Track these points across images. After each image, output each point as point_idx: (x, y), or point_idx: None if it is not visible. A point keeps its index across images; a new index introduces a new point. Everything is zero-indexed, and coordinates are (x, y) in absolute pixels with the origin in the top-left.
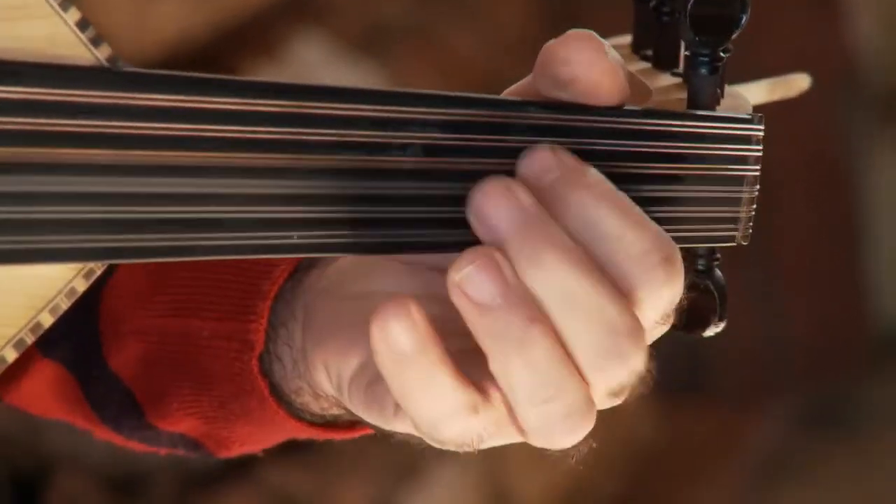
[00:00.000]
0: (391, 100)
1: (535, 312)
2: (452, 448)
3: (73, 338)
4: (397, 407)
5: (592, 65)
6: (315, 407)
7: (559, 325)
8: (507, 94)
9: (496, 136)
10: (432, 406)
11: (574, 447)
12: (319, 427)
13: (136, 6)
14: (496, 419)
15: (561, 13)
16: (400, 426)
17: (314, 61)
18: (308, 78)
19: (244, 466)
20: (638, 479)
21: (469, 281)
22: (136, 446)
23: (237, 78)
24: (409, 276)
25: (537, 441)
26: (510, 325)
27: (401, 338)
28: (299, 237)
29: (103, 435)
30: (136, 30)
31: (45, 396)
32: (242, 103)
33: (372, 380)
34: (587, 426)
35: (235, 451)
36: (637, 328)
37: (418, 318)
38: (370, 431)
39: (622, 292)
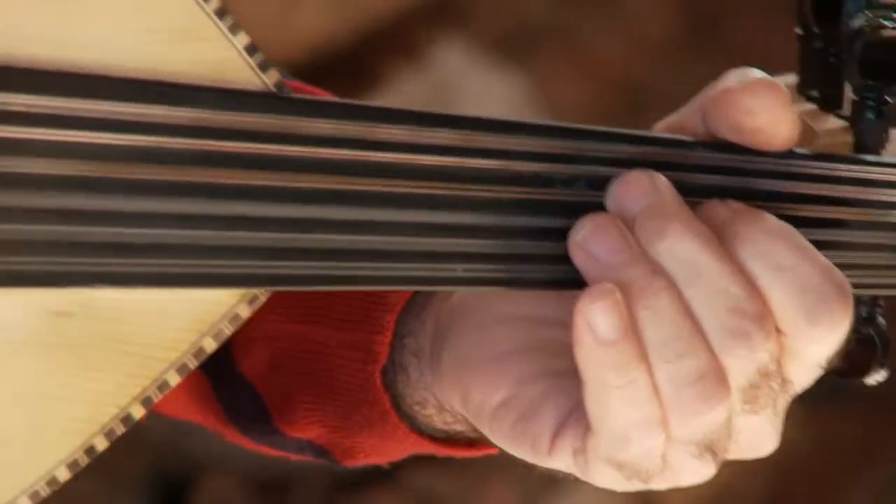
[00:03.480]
0: (559, 134)
1: (658, 268)
2: (623, 478)
3: None
4: (553, 443)
5: (778, 118)
6: (438, 421)
7: (684, 293)
8: (660, 128)
9: (663, 173)
10: (626, 412)
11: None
12: (441, 443)
13: (280, 11)
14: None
15: (703, 17)
16: (554, 462)
17: (455, 64)
18: (474, 108)
19: (390, 469)
20: (783, 484)
21: (589, 240)
22: (265, 450)
23: (403, 108)
24: (555, 299)
25: (677, 419)
26: (633, 278)
27: (605, 323)
28: (464, 270)
29: (233, 438)
30: (280, 34)
31: (180, 397)
32: (409, 132)
33: (522, 415)
34: (721, 396)
35: (360, 461)
36: (766, 316)
37: (622, 304)
38: (494, 451)
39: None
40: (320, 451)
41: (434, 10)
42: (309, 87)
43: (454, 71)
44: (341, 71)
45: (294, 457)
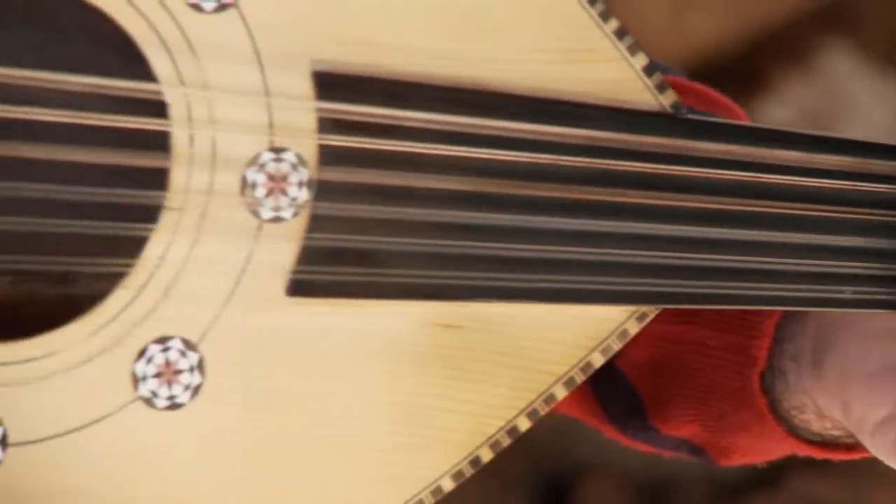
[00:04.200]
0: None
1: None
2: None
3: None
4: None
5: None
6: (816, 426)
7: None
8: None
9: None
10: None
11: None
12: (817, 446)
13: (673, 14)
14: None
15: None
16: None
17: (843, 71)
18: (861, 117)
19: (773, 475)
20: None
21: None
22: (639, 446)
23: (797, 131)
24: None
25: None
26: None
27: None
28: (853, 292)
29: (609, 434)
30: (671, 38)
31: None
32: (803, 156)
33: None
34: None
35: (736, 461)
36: None
37: None
38: (870, 455)
39: None
40: (695, 449)
41: (825, 16)
42: (699, 86)
43: (842, 78)
44: (729, 75)
45: (668, 454)
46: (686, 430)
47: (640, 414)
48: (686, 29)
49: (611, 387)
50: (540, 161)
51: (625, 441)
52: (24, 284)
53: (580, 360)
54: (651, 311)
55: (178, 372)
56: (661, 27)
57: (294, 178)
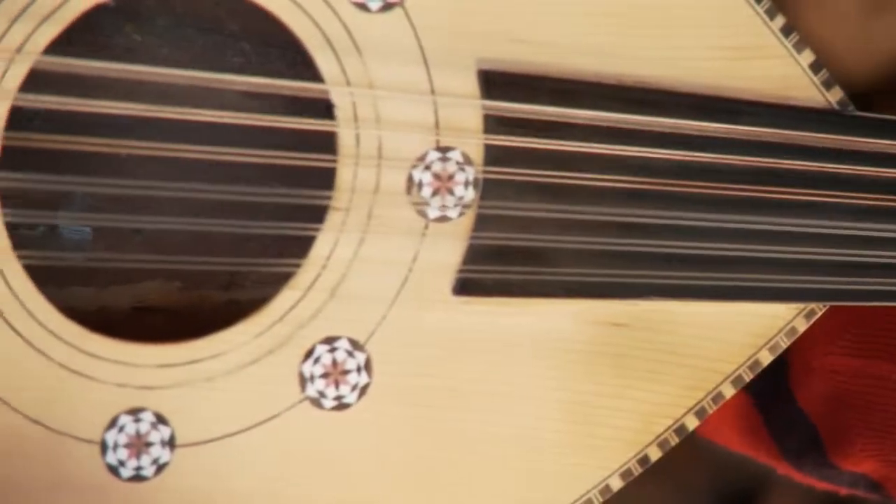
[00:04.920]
0: None
1: None
2: None
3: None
4: None
5: None
6: None
7: None
8: None
9: None
10: None
11: None
12: None
13: (861, 20)
14: None
15: None
16: None
17: None
18: None
19: None
20: None
21: None
22: (815, 483)
23: None
24: None
25: None
26: None
27: None
28: None
29: (783, 471)
30: (860, 44)
31: (729, 426)
32: None
33: None
34: None
35: None
36: None
37: None
38: None
39: None
40: (872, 485)
41: None
42: None
43: None
44: None
45: (844, 491)
46: (865, 466)
47: (818, 450)
48: (877, 35)
49: (788, 423)
50: (708, 159)
51: (799, 478)
52: (193, 290)
53: (748, 359)
54: (819, 308)
55: (346, 372)
56: (849, 33)
57: (460, 178)
